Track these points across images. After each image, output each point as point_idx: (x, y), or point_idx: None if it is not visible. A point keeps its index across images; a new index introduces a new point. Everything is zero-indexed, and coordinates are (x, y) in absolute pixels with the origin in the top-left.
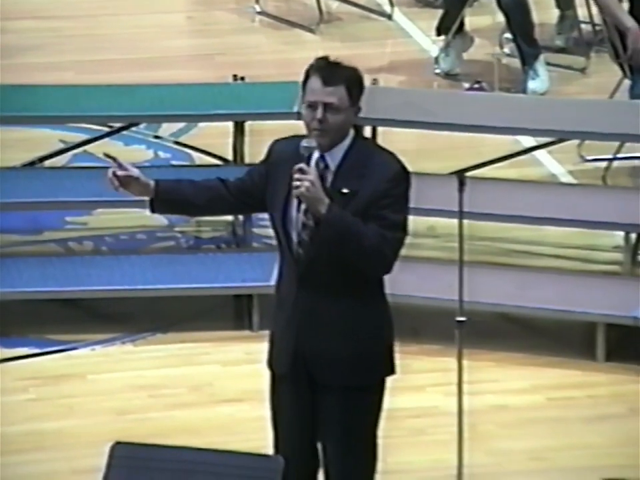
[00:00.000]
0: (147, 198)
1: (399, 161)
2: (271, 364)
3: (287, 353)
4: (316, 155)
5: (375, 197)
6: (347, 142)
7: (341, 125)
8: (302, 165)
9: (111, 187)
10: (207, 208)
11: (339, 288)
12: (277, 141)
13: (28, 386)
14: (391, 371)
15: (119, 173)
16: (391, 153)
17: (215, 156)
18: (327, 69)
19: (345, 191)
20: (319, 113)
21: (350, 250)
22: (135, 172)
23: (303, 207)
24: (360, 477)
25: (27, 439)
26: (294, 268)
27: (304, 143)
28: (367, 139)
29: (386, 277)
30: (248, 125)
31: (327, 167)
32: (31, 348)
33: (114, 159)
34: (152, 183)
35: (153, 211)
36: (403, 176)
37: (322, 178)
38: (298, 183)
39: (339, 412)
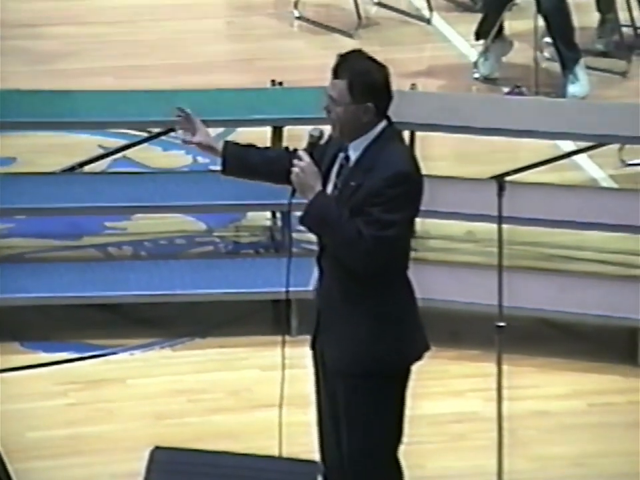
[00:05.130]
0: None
1: (407, 162)
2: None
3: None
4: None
5: (370, 194)
6: (370, 137)
7: (343, 120)
8: (300, 152)
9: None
10: (271, 176)
11: (340, 276)
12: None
13: (67, 390)
14: (390, 367)
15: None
16: (405, 152)
17: None
18: (341, 61)
19: (352, 184)
20: (325, 103)
21: (327, 240)
22: (197, 139)
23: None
24: (362, 463)
25: (66, 443)
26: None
27: (311, 129)
28: (394, 135)
29: (422, 281)
30: (286, 129)
31: (347, 159)
32: (71, 352)
33: (186, 112)
34: (220, 146)
35: (223, 172)
36: (403, 177)
37: (341, 169)
38: (294, 169)
39: (341, 398)
